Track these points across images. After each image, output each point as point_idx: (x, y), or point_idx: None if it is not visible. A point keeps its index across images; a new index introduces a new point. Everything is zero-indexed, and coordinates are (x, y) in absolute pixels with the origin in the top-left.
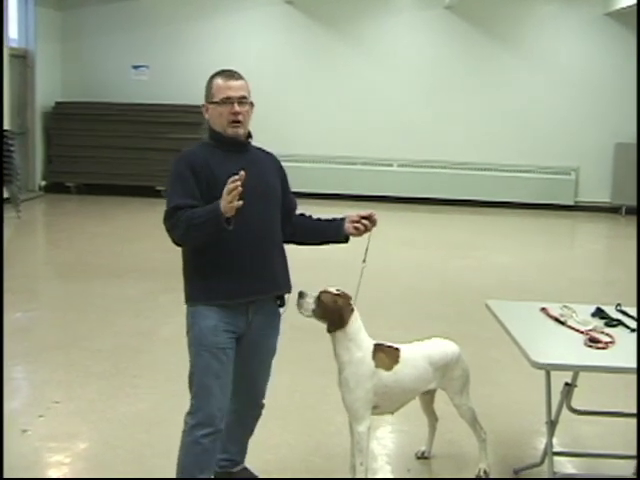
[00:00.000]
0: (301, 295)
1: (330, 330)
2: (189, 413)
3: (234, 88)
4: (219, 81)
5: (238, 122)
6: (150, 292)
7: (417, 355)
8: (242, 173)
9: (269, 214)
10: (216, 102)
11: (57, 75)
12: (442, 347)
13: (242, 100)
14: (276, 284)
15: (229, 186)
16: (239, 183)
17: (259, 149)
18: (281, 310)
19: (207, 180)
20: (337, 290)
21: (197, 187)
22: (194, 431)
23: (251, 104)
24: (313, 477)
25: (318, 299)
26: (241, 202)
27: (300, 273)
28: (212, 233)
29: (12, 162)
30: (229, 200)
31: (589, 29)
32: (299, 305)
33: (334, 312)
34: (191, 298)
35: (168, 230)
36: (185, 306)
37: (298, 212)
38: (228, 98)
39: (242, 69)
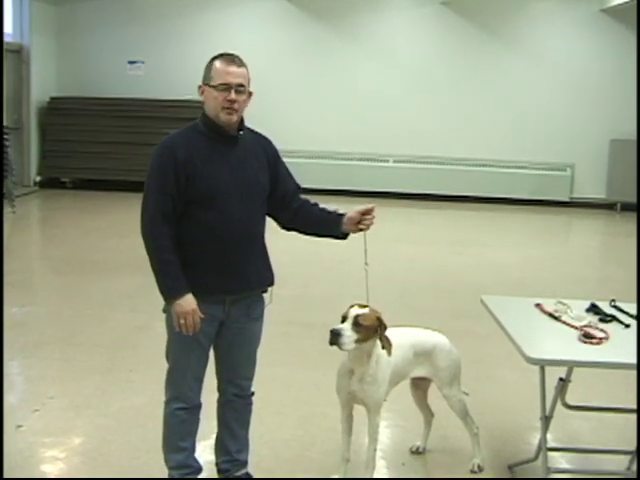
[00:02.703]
0: (336, 334)
1: (385, 345)
2: (165, 388)
3: (233, 74)
4: (219, 65)
5: (232, 109)
6: (145, 287)
7: (402, 339)
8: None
9: (252, 213)
10: (213, 86)
11: (52, 70)
12: (424, 334)
13: (239, 88)
14: (248, 284)
15: (188, 325)
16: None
17: (252, 133)
18: (265, 302)
19: (187, 175)
20: (360, 305)
21: (176, 184)
22: (170, 404)
23: (249, 93)
24: (311, 474)
25: (358, 325)
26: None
27: (296, 269)
28: (158, 279)
29: (7, 157)
30: (181, 322)
31: (585, 25)
32: (339, 345)
33: (380, 325)
34: None
35: (144, 228)
36: None
37: (303, 198)
38: (226, 84)
39: None
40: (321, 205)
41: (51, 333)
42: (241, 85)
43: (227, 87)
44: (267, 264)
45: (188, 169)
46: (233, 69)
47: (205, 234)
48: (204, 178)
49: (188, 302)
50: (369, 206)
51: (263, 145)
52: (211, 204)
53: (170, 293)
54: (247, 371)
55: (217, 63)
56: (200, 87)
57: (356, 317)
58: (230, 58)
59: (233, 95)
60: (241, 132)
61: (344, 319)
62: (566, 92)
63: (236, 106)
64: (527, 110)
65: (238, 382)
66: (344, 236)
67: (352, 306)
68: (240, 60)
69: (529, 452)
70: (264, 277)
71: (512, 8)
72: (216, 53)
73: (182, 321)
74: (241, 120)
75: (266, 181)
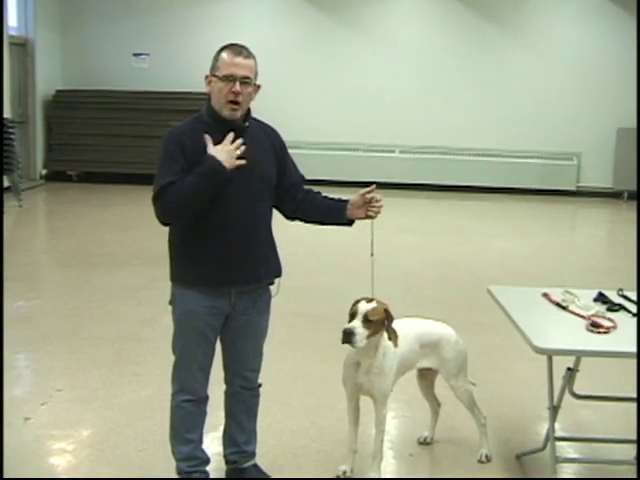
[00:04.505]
0: (349, 334)
1: (391, 336)
2: (172, 381)
3: (239, 66)
4: (225, 55)
5: (236, 103)
6: (151, 280)
7: (408, 330)
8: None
9: (258, 204)
10: (218, 77)
11: (57, 63)
12: (430, 325)
13: (245, 80)
14: (256, 276)
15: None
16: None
17: (259, 123)
18: (272, 293)
19: (195, 164)
20: (369, 300)
21: (187, 170)
22: (176, 396)
23: (256, 86)
24: (319, 465)
25: (368, 322)
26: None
27: (302, 260)
28: (211, 187)
29: (13, 151)
30: (231, 155)
31: (591, 13)
32: (352, 343)
33: (387, 317)
34: (172, 278)
35: (159, 206)
36: None
37: (306, 188)
38: (231, 75)
39: None
40: (324, 194)
41: (57, 326)
42: (247, 77)
43: (232, 78)
44: (274, 255)
45: (195, 158)
46: (239, 60)
47: (214, 226)
48: None
49: (219, 159)
50: (370, 188)
51: (270, 136)
52: (218, 196)
53: (218, 170)
54: (254, 363)
55: (224, 54)
56: (207, 77)
57: (366, 314)
58: (237, 49)
59: (237, 87)
60: (247, 124)
61: (353, 316)
62: (572, 81)
63: (240, 99)
64: (533, 99)
65: (245, 374)
66: (349, 223)
67: (358, 302)
68: (248, 51)
69: (537, 442)
70: (271, 269)
71: None
72: (221, 44)
73: (226, 156)
74: (248, 111)
75: (273, 172)
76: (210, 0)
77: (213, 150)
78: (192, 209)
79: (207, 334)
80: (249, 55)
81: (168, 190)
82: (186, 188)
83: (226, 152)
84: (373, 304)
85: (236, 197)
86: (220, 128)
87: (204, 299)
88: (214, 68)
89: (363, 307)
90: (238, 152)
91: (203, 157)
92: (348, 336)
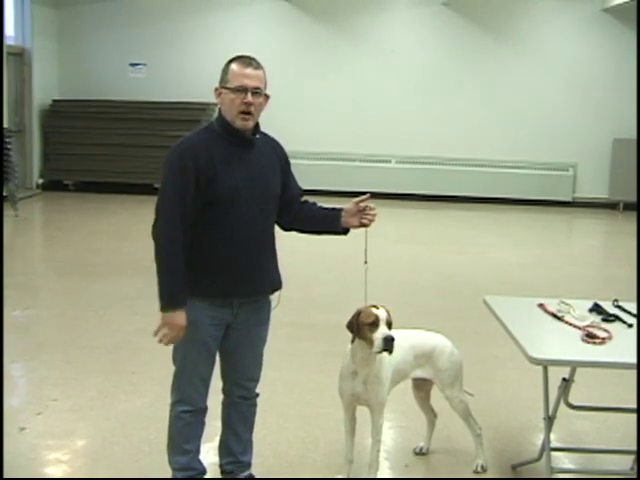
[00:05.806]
0: (393, 340)
1: None
2: (171, 391)
3: (250, 77)
4: (235, 67)
5: (248, 114)
6: (147, 289)
7: (401, 340)
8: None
9: (266, 217)
10: (229, 88)
11: (54, 73)
12: (424, 336)
13: (256, 91)
14: (261, 288)
15: (171, 338)
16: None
17: (264, 136)
18: (272, 304)
19: (207, 178)
20: (374, 306)
21: (196, 186)
22: (175, 407)
23: (266, 96)
24: (315, 475)
25: (390, 326)
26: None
27: (298, 270)
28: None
29: (9, 160)
30: (164, 332)
31: (587, 25)
32: (391, 349)
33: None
34: None
35: (158, 229)
36: None
37: (302, 199)
38: (242, 87)
39: None
40: (319, 204)
41: (53, 335)
42: (257, 88)
43: (243, 90)
44: (276, 267)
45: (209, 172)
46: (249, 71)
47: (222, 238)
48: (224, 181)
49: (182, 317)
50: (363, 197)
51: (276, 149)
52: (228, 208)
53: (170, 302)
54: (254, 372)
55: (234, 65)
56: (217, 89)
57: (387, 319)
58: (247, 60)
59: (249, 97)
60: (257, 136)
61: (375, 324)
62: (568, 91)
63: (252, 109)
64: (529, 110)
65: (244, 383)
66: (344, 231)
67: (361, 311)
68: (257, 62)
69: (532, 452)
70: (274, 280)
71: (514, 8)
72: (218, 55)
73: (166, 331)
74: (256, 123)
75: (279, 184)
76: (207, 10)
77: (182, 317)
78: (158, 259)
79: (209, 344)
80: (258, 66)
81: (169, 236)
82: (166, 259)
83: (175, 328)
84: (383, 309)
85: (242, 210)
86: (232, 139)
87: (207, 309)
88: (224, 80)
89: (382, 314)
90: (171, 342)
91: (217, 171)
92: (392, 343)
